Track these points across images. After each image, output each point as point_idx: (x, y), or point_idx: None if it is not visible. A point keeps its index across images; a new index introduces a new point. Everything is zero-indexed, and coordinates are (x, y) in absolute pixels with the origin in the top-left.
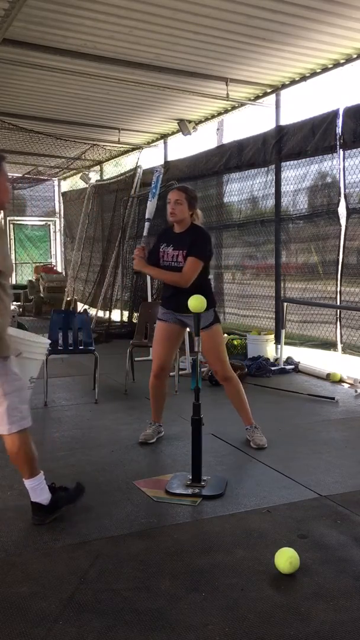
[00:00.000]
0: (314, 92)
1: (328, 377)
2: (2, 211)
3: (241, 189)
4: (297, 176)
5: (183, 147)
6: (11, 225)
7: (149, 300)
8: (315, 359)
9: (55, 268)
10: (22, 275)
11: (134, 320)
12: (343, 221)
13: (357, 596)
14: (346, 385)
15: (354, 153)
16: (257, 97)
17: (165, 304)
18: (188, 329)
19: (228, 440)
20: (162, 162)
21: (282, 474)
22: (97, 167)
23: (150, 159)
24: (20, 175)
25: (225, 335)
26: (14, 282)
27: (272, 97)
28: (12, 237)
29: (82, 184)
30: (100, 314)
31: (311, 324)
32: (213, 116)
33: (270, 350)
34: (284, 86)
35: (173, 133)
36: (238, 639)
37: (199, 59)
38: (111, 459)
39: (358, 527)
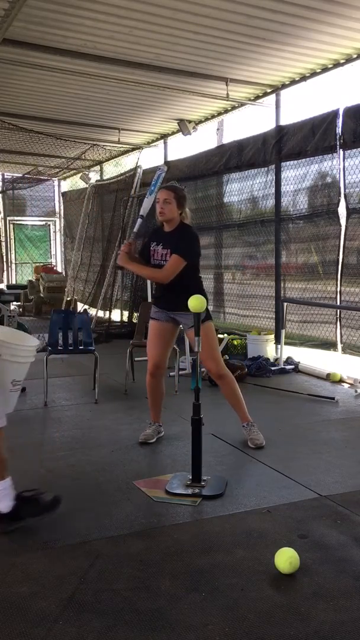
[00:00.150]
0: (314, 92)
1: (328, 377)
2: None
3: (241, 189)
4: (297, 176)
5: (183, 147)
6: (11, 225)
7: (149, 300)
8: (315, 359)
9: (55, 268)
10: (22, 275)
11: (134, 320)
12: (343, 221)
13: (357, 596)
14: (346, 385)
15: (354, 153)
16: (257, 97)
17: (157, 302)
18: (182, 327)
19: (228, 440)
20: (162, 162)
21: (282, 474)
22: (97, 167)
23: (150, 159)
24: (20, 175)
25: (225, 335)
26: (14, 282)
27: (272, 97)
28: (12, 237)
29: (82, 184)
30: (100, 314)
31: (311, 324)
32: (213, 116)
33: (270, 350)
34: (284, 86)
35: (173, 133)
36: (238, 639)
37: (199, 59)
38: (111, 459)
39: (358, 527)
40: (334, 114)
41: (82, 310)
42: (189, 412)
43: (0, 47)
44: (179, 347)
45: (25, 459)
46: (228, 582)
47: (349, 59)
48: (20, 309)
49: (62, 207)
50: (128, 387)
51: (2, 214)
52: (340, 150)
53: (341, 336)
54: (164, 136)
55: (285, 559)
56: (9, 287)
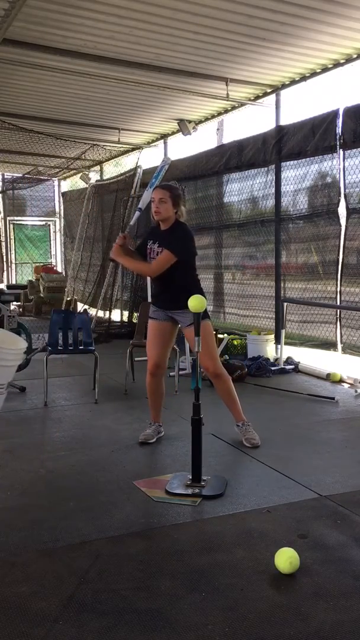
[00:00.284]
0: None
1: (328, 377)
2: None
3: (241, 189)
4: (297, 176)
5: (183, 147)
6: (11, 225)
7: (149, 300)
8: (315, 359)
9: (55, 268)
10: (22, 275)
11: (134, 320)
12: (343, 221)
13: (357, 596)
14: (346, 385)
15: (354, 153)
16: (257, 97)
17: (155, 301)
18: (180, 325)
19: (228, 440)
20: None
21: (282, 474)
22: (97, 167)
23: (150, 159)
24: (20, 175)
25: (225, 335)
26: (14, 282)
27: (272, 97)
28: (12, 237)
29: (82, 184)
30: (100, 314)
31: (311, 324)
32: (213, 116)
33: (270, 350)
34: (284, 86)
35: (173, 133)
36: (238, 639)
37: (199, 59)
38: (111, 459)
39: (358, 527)
40: (334, 114)
41: (82, 310)
42: (189, 412)
43: (0, 47)
44: (179, 347)
45: (25, 459)
46: (228, 582)
47: (349, 59)
48: (20, 309)
49: (62, 207)
50: (128, 387)
51: (2, 214)
52: (340, 150)
53: (341, 336)
54: (164, 136)
55: (285, 559)
56: (9, 287)
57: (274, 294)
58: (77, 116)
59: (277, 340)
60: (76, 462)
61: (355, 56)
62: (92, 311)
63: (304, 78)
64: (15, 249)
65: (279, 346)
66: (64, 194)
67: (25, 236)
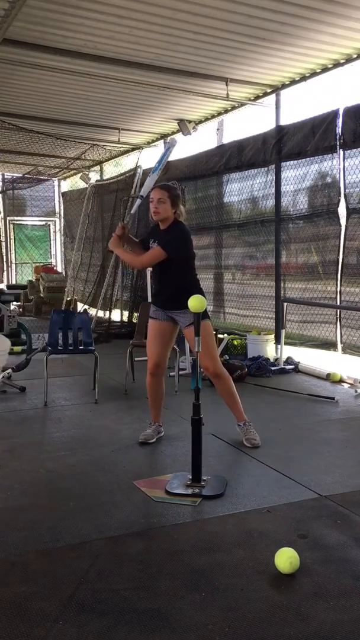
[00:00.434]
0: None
1: (328, 377)
2: None
3: (241, 189)
4: (297, 176)
5: (183, 147)
6: (11, 225)
7: (149, 300)
8: (315, 359)
9: (55, 268)
10: (22, 275)
11: (134, 320)
12: (343, 221)
13: (357, 596)
14: (346, 385)
15: (354, 153)
16: (257, 97)
17: (155, 301)
18: (180, 326)
19: (228, 440)
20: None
21: (282, 474)
22: (97, 167)
23: (150, 159)
24: (20, 175)
25: (226, 335)
26: (14, 282)
27: (272, 97)
28: (12, 237)
29: (82, 184)
30: (100, 314)
31: (311, 324)
32: (213, 116)
33: (270, 350)
34: (284, 86)
35: (173, 133)
36: (238, 639)
37: (199, 59)
38: (111, 459)
39: (358, 527)
40: (334, 114)
41: (82, 310)
42: (189, 412)
43: (0, 47)
44: (179, 347)
45: (25, 459)
46: (228, 582)
47: (349, 59)
48: (20, 309)
49: (62, 207)
50: (128, 387)
51: (2, 214)
52: (340, 150)
53: (341, 336)
54: (164, 136)
55: (285, 559)
56: (9, 287)
57: (274, 294)
58: (77, 116)
59: (277, 340)
60: (76, 462)
61: (355, 56)
62: (92, 311)
63: (304, 78)
64: (15, 249)
65: (279, 346)
66: (64, 194)
67: (25, 236)
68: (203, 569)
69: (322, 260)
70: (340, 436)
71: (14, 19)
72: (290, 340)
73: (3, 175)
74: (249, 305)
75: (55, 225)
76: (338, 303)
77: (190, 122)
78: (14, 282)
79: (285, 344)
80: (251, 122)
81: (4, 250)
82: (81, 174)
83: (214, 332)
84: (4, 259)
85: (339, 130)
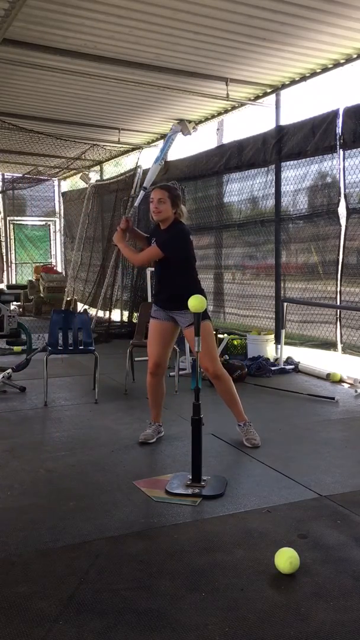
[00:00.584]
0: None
1: (328, 377)
2: None
3: (241, 189)
4: (297, 176)
5: (183, 147)
6: (11, 225)
7: (149, 300)
8: (315, 359)
9: (55, 268)
10: (22, 275)
11: (134, 320)
12: (343, 221)
13: (357, 596)
14: (346, 385)
15: (354, 153)
16: (257, 97)
17: (156, 300)
18: (180, 326)
19: (228, 440)
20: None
21: (282, 474)
22: (97, 167)
23: (150, 159)
24: (20, 175)
25: (225, 335)
26: (14, 282)
27: (272, 97)
28: (12, 237)
29: (82, 184)
30: (100, 314)
31: (311, 324)
32: (213, 116)
33: (270, 350)
34: (284, 86)
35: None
36: (238, 639)
37: (199, 59)
38: (111, 459)
39: (358, 527)
40: (334, 114)
41: (82, 310)
42: (189, 412)
43: (0, 47)
44: (179, 347)
45: (25, 459)
46: (228, 582)
47: (349, 59)
48: (20, 309)
49: (62, 207)
50: (128, 387)
51: (2, 214)
52: (340, 150)
53: (341, 336)
54: (163, 136)
55: (285, 559)
56: (9, 287)
57: (274, 294)
58: (77, 116)
59: (277, 340)
60: (76, 462)
61: (355, 56)
62: (92, 311)
63: (304, 78)
64: (15, 249)
65: (279, 346)
66: (64, 194)
67: (25, 236)
68: (203, 569)
69: (322, 260)
70: (340, 436)
71: (14, 19)
72: (290, 340)
73: (3, 175)
74: (249, 305)
75: (55, 225)
76: (338, 303)
77: (190, 122)
78: (14, 282)
79: (285, 344)
80: (251, 122)
81: (4, 250)
82: (81, 174)
83: (214, 332)
84: (4, 259)
85: (339, 130)
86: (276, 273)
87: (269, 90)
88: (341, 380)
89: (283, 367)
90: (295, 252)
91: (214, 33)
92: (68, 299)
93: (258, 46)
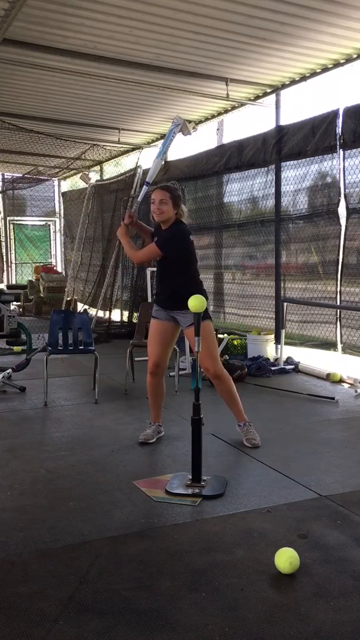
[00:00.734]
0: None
1: (328, 377)
2: None
3: (241, 189)
4: (297, 176)
5: (183, 147)
6: (11, 225)
7: (149, 300)
8: (315, 359)
9: (55, 268)
10: (22, 275)
11: (134, 320)
12: (343, 221)
13: (357, 596)
14: (346, 385)
15: (354, 153)
16: (257, 97)
17: (157, 300)
18: (181, 326)
19: (228, 440)
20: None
21: (282, 474)
22: (97, 167)
23: (150, 159)
24: (20, 175)
25: (225, 335)
26: (14, 282)
27: (272, 97)
28: (12, 237)
29: (82, 184)
30: (100, 314)
31: (311, 324)
32: (213, 116)
33: (270, 350)
34: (284, 86)
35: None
36: (238, 639)
37: (199, 59)
38: (111, 459)
39: (358, 527)
40: (334, 114)
41: (82, 310)
42: (189, 412)
43: (0, 47)
44: (179, 347)
45: (25, 459)
46: (228, 582)
47: (349, 59)
48: (20, 309)
49: (62, 207)
50: (128, 387)
51: (2, 214)
52: (340, 150)
53: (341, 336)
54: (163, 136)
55: (285, 559)
56: (9, 287)
57: (274, 294)
58: (77, 116)
59: (277, 340)
60: (76, 462)
61: (355, 56)
62: (92, 311)
63: (304, 78)
64: (15, 249)
65: (279, 346)
66: (64, 194)
67: (25, 236)
68: (203, 569)
69: (322, 260)
70: (340, 436)
71: (14, 19)
72: (290, 340)
73: (3, 175)
74: (249, 305)
75: (55, 225)
76: (338, 303)
77: (190, 122)
78: (14, 282)
79: (285, 344)
80: (251, 122)
81: (4, 250)
82: (81, 174)
83: (214, 332)
84: (4, 259)
85: (339, 130)
86: (276, 273)
87: (269, 90)
88: (341, 380)
89: (283, 367)
90: (295, 252)
91: (214, 33)
92: (68, 299)
93: (258, 46)
